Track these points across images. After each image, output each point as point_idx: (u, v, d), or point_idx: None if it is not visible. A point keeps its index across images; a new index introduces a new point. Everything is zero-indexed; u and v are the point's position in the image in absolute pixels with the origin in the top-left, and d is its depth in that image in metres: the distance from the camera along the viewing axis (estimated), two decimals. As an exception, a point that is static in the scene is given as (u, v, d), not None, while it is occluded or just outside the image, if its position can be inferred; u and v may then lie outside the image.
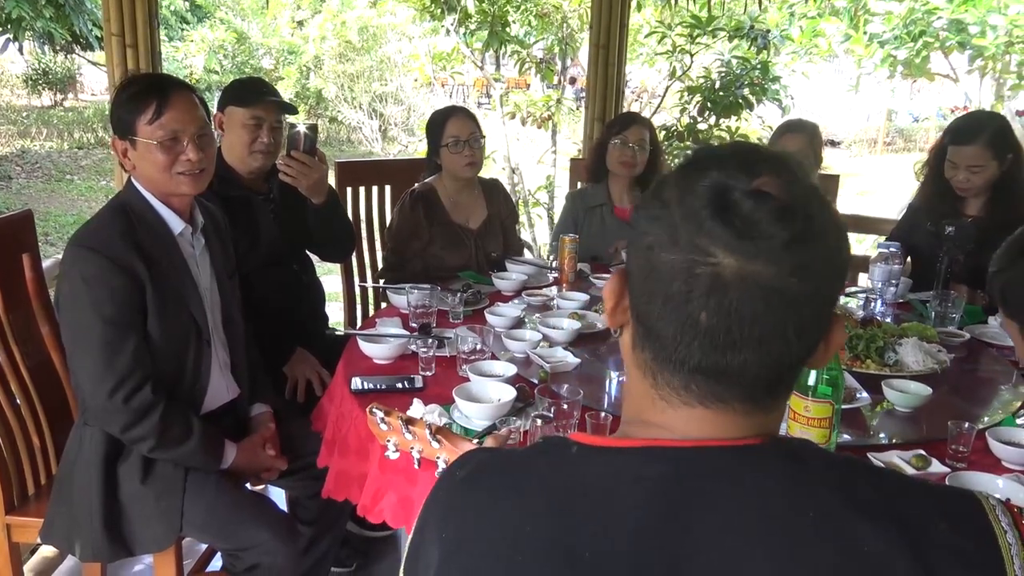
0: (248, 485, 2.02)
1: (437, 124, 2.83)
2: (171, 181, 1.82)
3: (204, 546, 2.23)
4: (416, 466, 1.37)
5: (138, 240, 1.79)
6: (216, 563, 2.18)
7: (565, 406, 1.63)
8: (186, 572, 2.00)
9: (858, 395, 1.80)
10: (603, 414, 1.62)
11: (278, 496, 2.38)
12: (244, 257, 2.29)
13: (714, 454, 0.69)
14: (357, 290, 3.19)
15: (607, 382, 1.99)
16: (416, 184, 2.90)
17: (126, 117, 1.80)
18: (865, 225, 3.69)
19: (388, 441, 1.37)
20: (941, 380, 1.94)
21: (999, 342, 2.31)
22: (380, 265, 3.15)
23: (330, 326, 2.80)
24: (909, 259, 2.93)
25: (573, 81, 10.54)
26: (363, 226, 3.21)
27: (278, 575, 1.85)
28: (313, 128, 2.39)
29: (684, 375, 0.70)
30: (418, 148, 10.47)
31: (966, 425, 1.61)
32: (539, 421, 1.57)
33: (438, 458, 1.32)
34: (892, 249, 2.56)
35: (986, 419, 1.78)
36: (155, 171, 1.81)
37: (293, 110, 2.51)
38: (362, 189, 3.26)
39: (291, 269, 2.56)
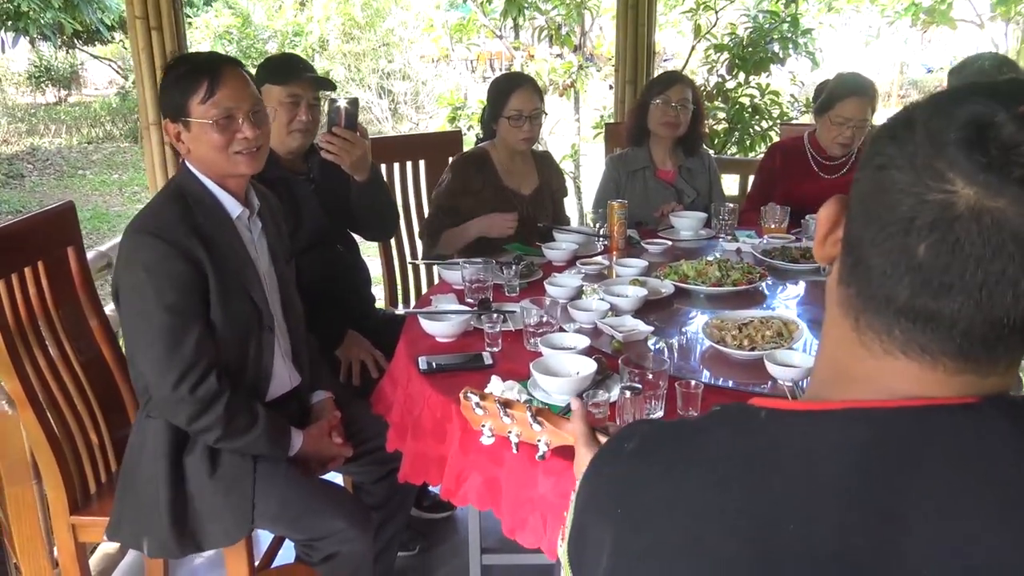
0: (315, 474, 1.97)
1: (502, 92, 2.74)
2: (229, 161, 1.76)
3: (270, 538, 2.18)
4: (515, 450, 1.30)
5: (197, 225, 1.72)
6: (285, 555, 2.13)
7: (651, 376, 1.56)
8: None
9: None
10: (693, 382, 1.55)
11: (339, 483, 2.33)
12: (289, 240, 2.22)
13: (924, 414, 0.62)
14: (397, 270, 3.13)
15: (666, 350, 1.91)
16: (470, 149, 2.84)
17: (178, 98, 1.73)
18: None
19: (483, 426, 1.30)
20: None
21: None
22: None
23: (376, 307, 2.73)
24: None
25: (576, 49, 10.40)
26: (400, 203, 3.14)
27: (356, 563, 1.80)
28: (354, 102, 2.30)
29: (888, 317, 0.62)
30: (428, 125, 10.38)
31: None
32: (627, 393, 1.50)
33: (539, 441, 1.26)
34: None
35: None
36: (212, 151, 1.74)
37: (331, 85, 2.43)
38: (396, 165, 3.18)
39: (336, 250, 2.49)
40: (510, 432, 1.28)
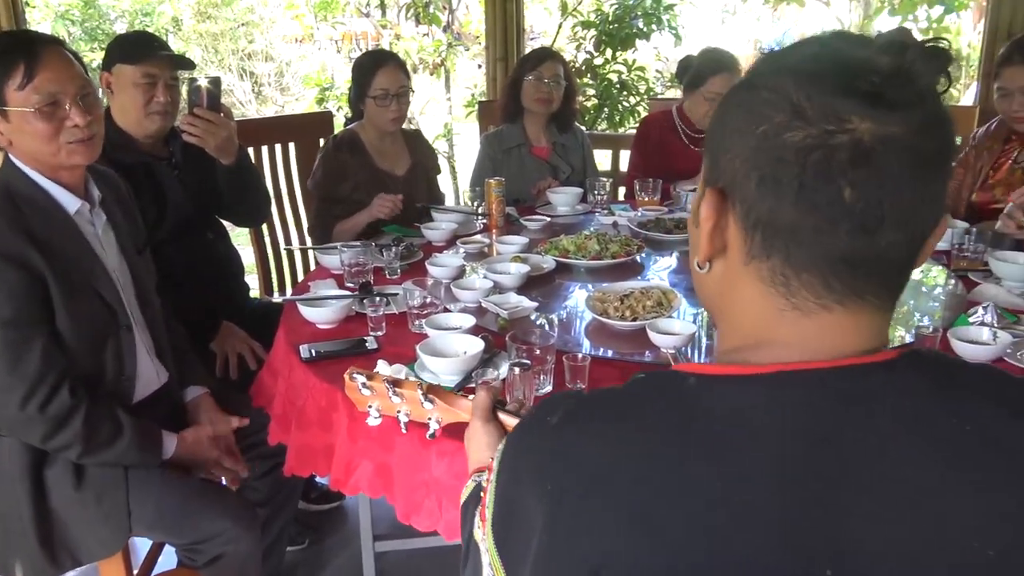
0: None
1: (366, 72, 2.67)
2: (59, 153, 1.60)
3: (148, 545, 2.06)
4: (403, 430, 1.27)
5: (29, 227, 1.56)
6: (166, 561, 2.02)
7: (538, 351, 1.56)
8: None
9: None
10: (580, 355, 1.56)
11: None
12: (152, 228, 2.09)
13: (853, 373, 0.63)
14: (271, 256, 3.01)
15: (548, 323, 1.92)
16: (338, 133, 2.75)
17: None
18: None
19: (370, 407, 1.27)
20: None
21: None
22: (307, 223, 2.99)
23: (251, 296, 2.62)
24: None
25: (448, 26, 10.30)
26: (270, 187, 3.02)
27: (242, 562, 1.73)
28: (216, 82, 2.19)
29: (825, 269, 0.63)
30: (295, 107, 10.04)
31: (930, 328, 1.64)
32: (517, 369, 1.49)
33: (429, 419, 1.23)
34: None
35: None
36: (38, 143, 1.58)
37: (190, 64, 2.29)
38: (264, 149, 3.06)
39: (205, 238, 2.37)
40: (399, 412, 1.25)
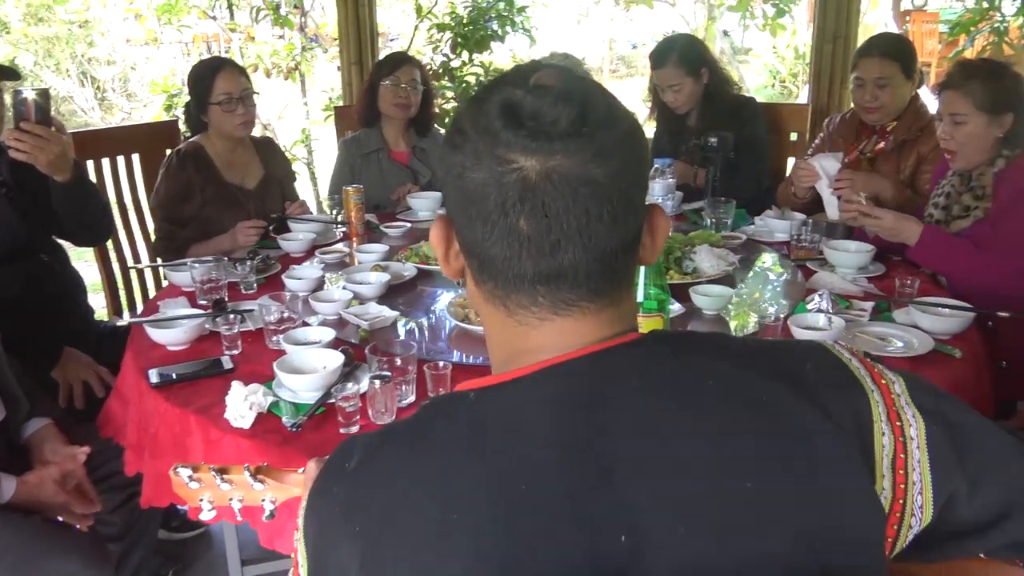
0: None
1: (204, 79, 2.56)
2: None
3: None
4: (239, 517, 1.19)
5: None
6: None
7: (399, 361, 1.55)
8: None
9: (670, 305, 1.87)
10: (441, 363, 1.56)
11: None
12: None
13: (603, 357, 0.71)
14: (119, 276, 2.86)
15: (416, 331, 1.92)
16: (180, 145, 2.62)
17: None
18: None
19: (201, 500, 1.18)
20: (735, 280, 2.08)
21: (767, 239, 2.52)
22: (153, 239, 2.83)
23: (96, 318, 2.47)
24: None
25: (301, 30, 10.06)
26: (113, 202, 2.87)
27: (94, 605, 1.63)
28: (44, 94, 2.04)
29: (527, 290, 0.71)
30: (143, 114, 9.55)
31: (771, 317, 1.74)
32: (377, 382, 1.48)
33: (262, 501, 1.16)
34: (666, 164, 2.69)
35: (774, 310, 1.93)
36: None
37: (13, 74, 2.13)
38: (106, 161, 2.90)
39: (39, 260, 2.21)
40: (231, 499, 1.17)
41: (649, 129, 3.60)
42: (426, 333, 1.90)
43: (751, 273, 2.24)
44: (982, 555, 0.87)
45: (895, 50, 2.61)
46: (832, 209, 2.47)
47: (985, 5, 4.28)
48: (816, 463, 0.69)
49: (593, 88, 0.72)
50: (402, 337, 1.84)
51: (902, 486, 0.75)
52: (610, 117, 0.70)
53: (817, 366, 0.75)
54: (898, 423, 0.75)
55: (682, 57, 2.94)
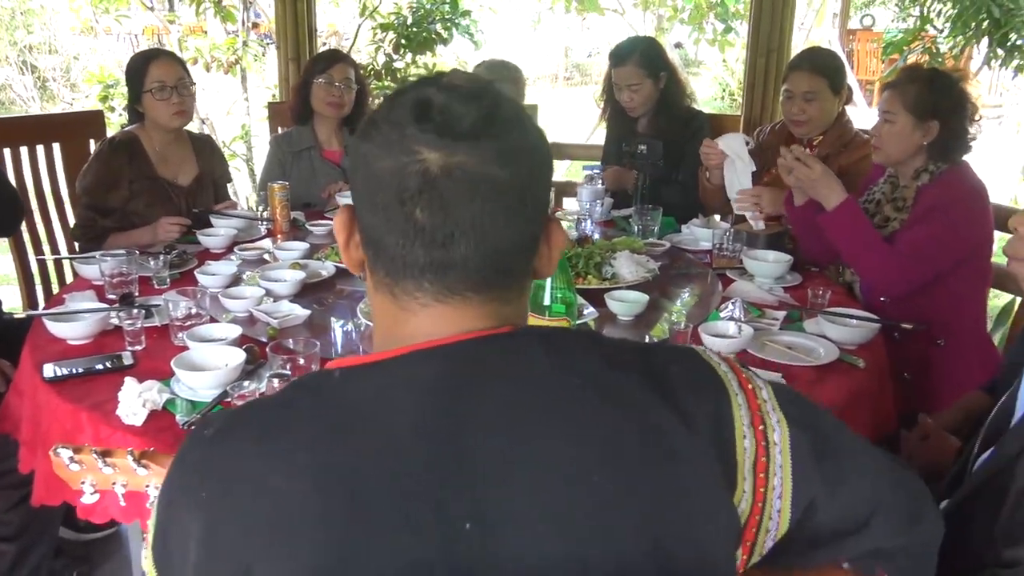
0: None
1: (137, 68, 2.51)
2: None
3: None
4: (122, 502, 1.15)
5: None
6: None
7: (302, 360, 1.53)
8: None
9: (585, 310, 1.88)
10: (344, 363, 1.53)
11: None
12: None
13: (474, 345, 0.72)
14: (34, 266, 2.77)
15: (331, 332, 1.89)
16: (116, 133, 2.56)
17: None
18: (561, 152, 3.87)
19: (83, 483, 1.14)
20: (653, 286, 2.09)
21: (692, 247, 2.55)
22: (72, 226, 2.75)
23: (4, 311, 2.39)
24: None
25: (256, 27, 9.94)
26: (32, 193, 2.79)
27: (-19, 608, 1.57)
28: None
29: (416, 278, 0.72)
30: (84, 104, 9.31)
31: (681, 325, 1.75)
32: (275, 381, 1.45)
33: (147, 487, 1.12)
34: (596, 171, 2.70)
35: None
36: None
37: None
38: (24, 150, 2.81)
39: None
40: (114, 484, 1.13)
41: (599, 134, 3.61)
42: (351, 334, 1.86)
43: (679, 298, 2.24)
44: (845, 565, 0.88)
45: (824, 65, 2.65)
46: (732, 192, 2.51)
47: (919, 25, 4.41)
48: (671, 463, 0.70)
49: (503, 95, 0.74)
50: (338, 339, 1.79)
51: (762, 490, 0.76)
52: (517, 123, 0.72)
53: (683, 368, 0.77)
54: (761, 427, 0.76)
55: (644, 57, 2.93)
